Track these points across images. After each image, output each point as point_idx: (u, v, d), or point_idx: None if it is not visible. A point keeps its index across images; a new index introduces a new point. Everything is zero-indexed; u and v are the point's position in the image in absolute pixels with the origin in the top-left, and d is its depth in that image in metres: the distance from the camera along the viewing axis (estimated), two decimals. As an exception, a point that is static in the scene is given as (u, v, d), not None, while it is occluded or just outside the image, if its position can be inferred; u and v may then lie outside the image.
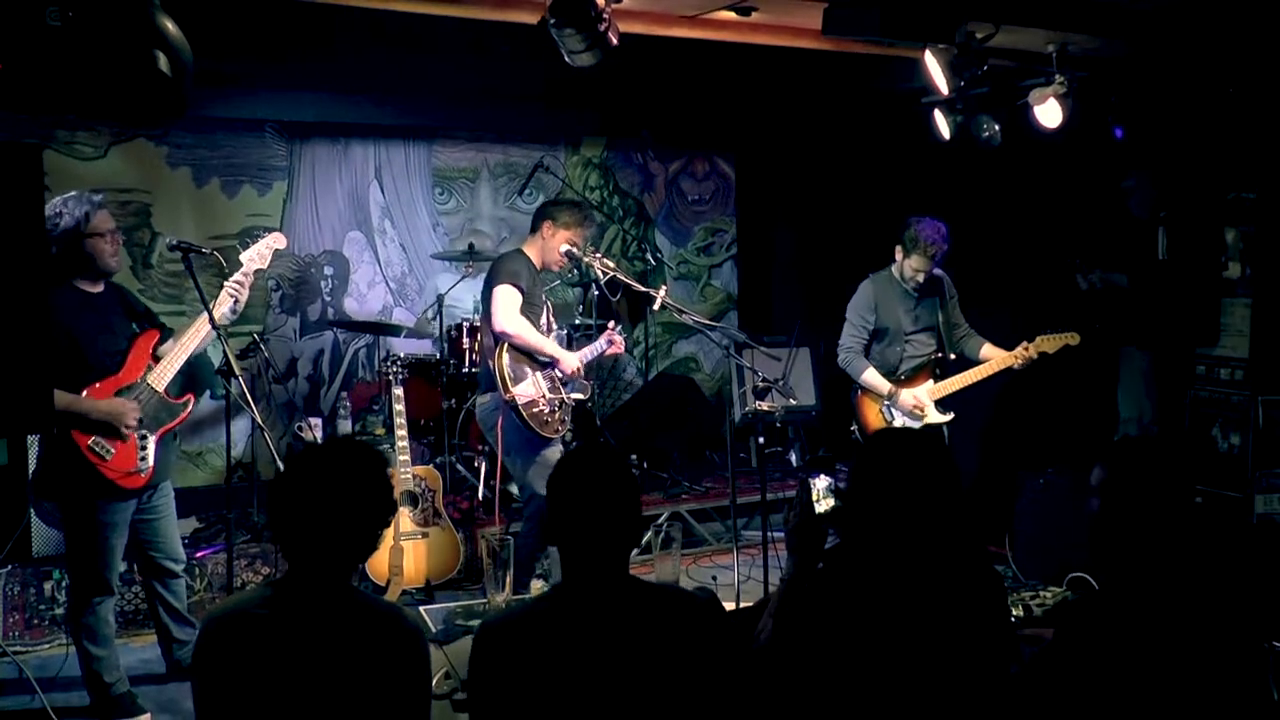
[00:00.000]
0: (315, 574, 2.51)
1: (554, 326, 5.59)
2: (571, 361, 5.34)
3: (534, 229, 5.43)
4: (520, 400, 5.15)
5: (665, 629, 2.49)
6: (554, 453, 5.24)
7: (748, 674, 2.63)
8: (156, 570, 4.64)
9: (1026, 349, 5.54)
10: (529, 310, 5.29)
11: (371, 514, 2.55)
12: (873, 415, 5.77)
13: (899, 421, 5.69)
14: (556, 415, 5.29)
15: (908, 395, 5.66)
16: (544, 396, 5.24)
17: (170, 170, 7.13)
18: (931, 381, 5.72)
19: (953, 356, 5.76)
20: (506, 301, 5.19)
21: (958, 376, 5.69)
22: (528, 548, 5.20)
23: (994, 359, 5.65)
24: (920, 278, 5.65)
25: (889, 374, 5.75)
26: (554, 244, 5.34)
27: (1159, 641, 2.45)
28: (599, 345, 5.56)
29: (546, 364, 5.32)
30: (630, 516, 2.59)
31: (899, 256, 5.69)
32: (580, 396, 5.48)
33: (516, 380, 5.18)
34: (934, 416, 5.69)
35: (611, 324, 5.65)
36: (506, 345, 5.22)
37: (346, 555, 2.54)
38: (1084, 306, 6.29)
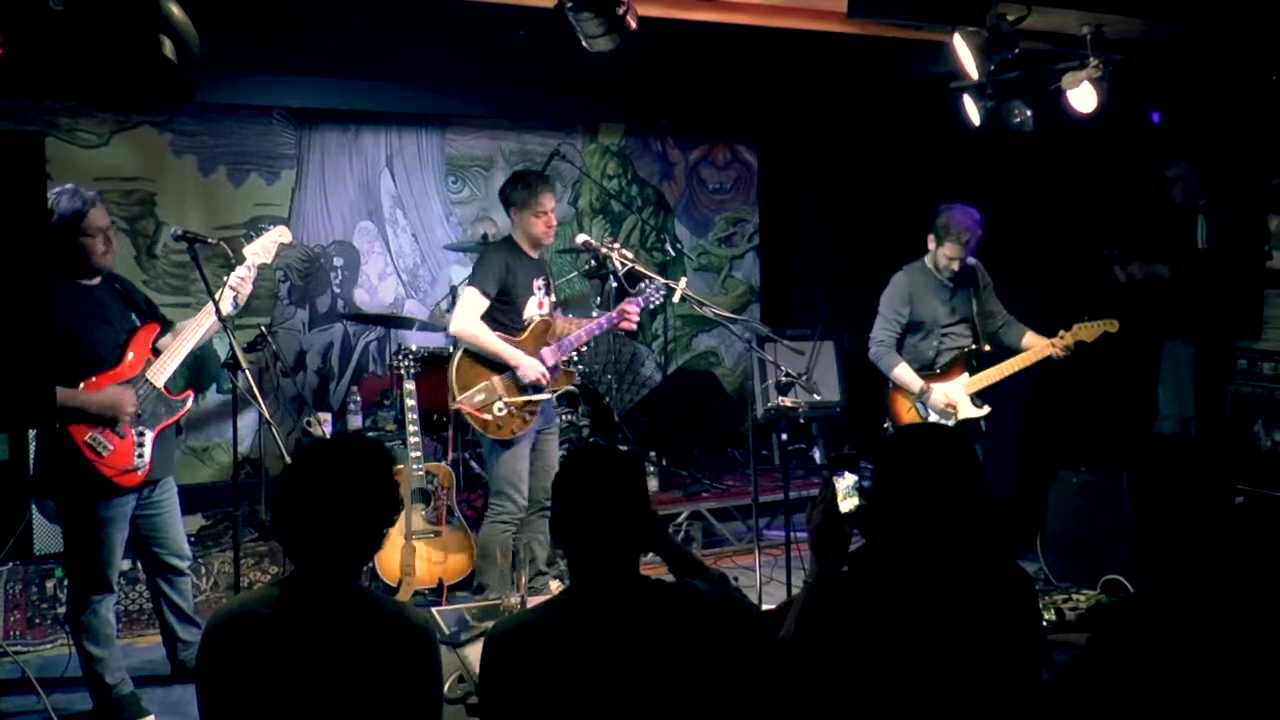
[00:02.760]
0: (322, 574, 2.51)
1: (549, 311, 5.55)
2: (531, 369, 5.31)
3: (508, 216, 5.53)
4: (464, 407, 5.26)
5: (678, 629, 2.49)
6: (512, 453, 5.37)
7: (769, 677, 2.62)
8: (161, 567, 4.65)
9: (1063, 336, 5.53)
10: (506, 304, 5.36)
11: (376, 512, 2.55)
12: (906, 412, 5.76)
13: (932, 417, 5.68)
14: (514, 419, 5.33)
15: (940, 393, 5.64)
16: (499, 401, 5.28)
17: (175, 158, 7.15)
18: (966, 375, 5.70)
19: (987, 348, 5.73)
20: (465, 305, 5.32)
21: (993, 369, 5.67)
22: (490, 547, 5.37)
23: (1033, 348, 5.63)
24: (955, 266, 5.63)
25: (924, 367, 5.73)
26: (525, 226, 5.39)
27: (1199, 647, 2.43)
28: (594, 326, 5.52)
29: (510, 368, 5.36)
30: (638, 516, 2.59)
31: (931, 246, 5.69)
32: (544, 397, 5.41)
33: (464, 387, 5.29)
34: (968, 411, 5.67)
35: (648, 284, 5.56)
36: (463, 349, 5.34)
37: (351, 554, 2.54)
38: (1123, 299, 6.24)
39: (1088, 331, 5.52)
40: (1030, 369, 5.71)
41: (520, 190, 5.39)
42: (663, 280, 5.50)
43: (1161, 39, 6.02)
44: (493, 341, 5.29)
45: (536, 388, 5.36)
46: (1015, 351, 5.70)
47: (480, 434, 5.38)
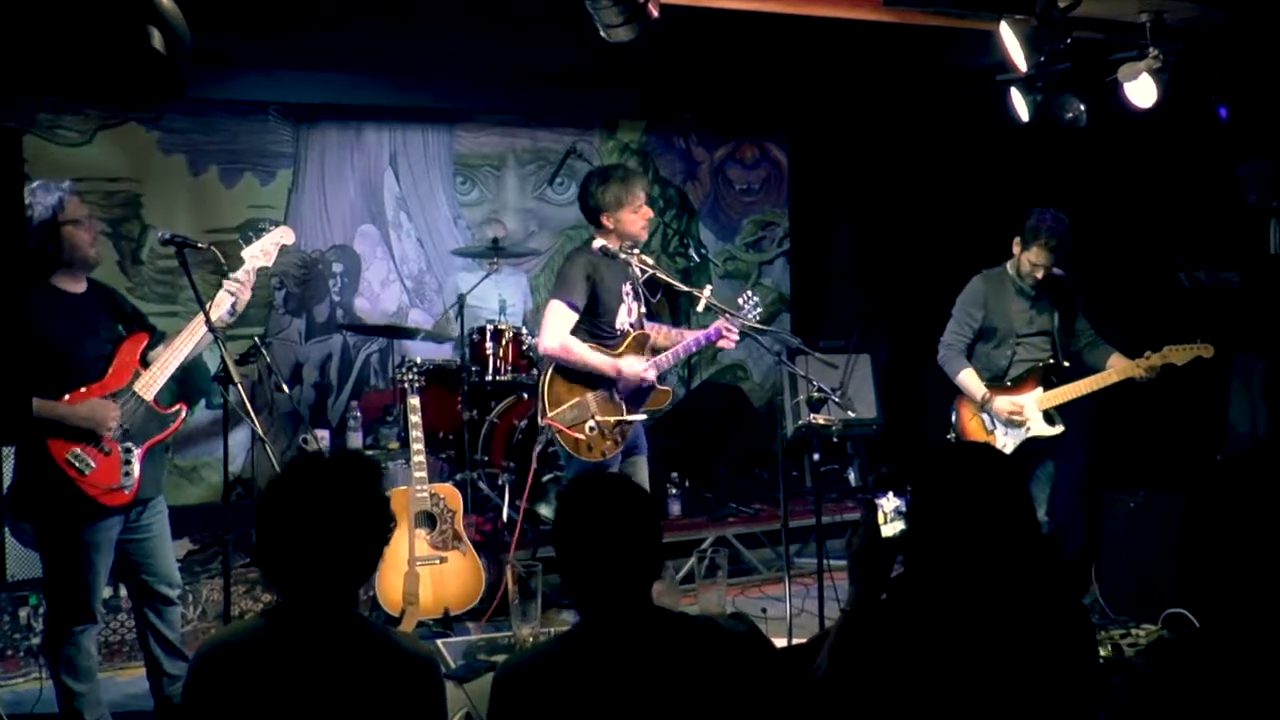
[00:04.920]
0: (313, 602, 2.50)
1: (638, 320, 5.54)
2: (632, 370, 5.30)
3: (596, 226, 5.39)
4: (555, 424, 5.25)
5: (696, 667, 2.47)
6: None
7: (801, 714, 2.59)
8: (149, 596, 4.62)
9: (1149, 358, 5.50)
10: (597, 315, 5.34)
11: (365, 534, 2.54)
12: (971, 422, 5.79)
13: (999, 431, 5.71)
14: (605, 440, 5.33)
15: (1004, 401, 5.64)
16: (591, 420, 5.28)
17: (163, 157, 7.19)
18: (1040, 389, 5.70)
19: (1066, 364, 5.71)
20: (552, 320, 5.27)
21: (1070, 385, 5.66)
22: None
23: (1115, 368, 5.61)
24: (1039, 274, 5.65)
25: (995, 379, 5.75)
26: (624, 227, 5.31)
27: (1271, 688, 2.39)
28: (691, 343, 5.50)
29: (608, 382, 5.35)
30: (648, 544, 2.57)
31: (1016, 250, 5.72)
32: (639, 418, 5.43)
33: (555, 402, 5.28)
34: (1039, 428, 5.66)
35: (747, 298, 5.48)
36: (555, 365, 5.32)
37: (341, 580, 2.53)
38: (1189, 308, 6.19)
39: (1179, 355, 5.47)
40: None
41: (614, 187, 5.29)
42: (685, 287, 5.49)
43: (1227, 25, 5.98)
44: (586, 354, 5.27)
45: (632, 405, 5.38)
46: (1097, 371, 5.67)
47: (566, 458, 5.39)
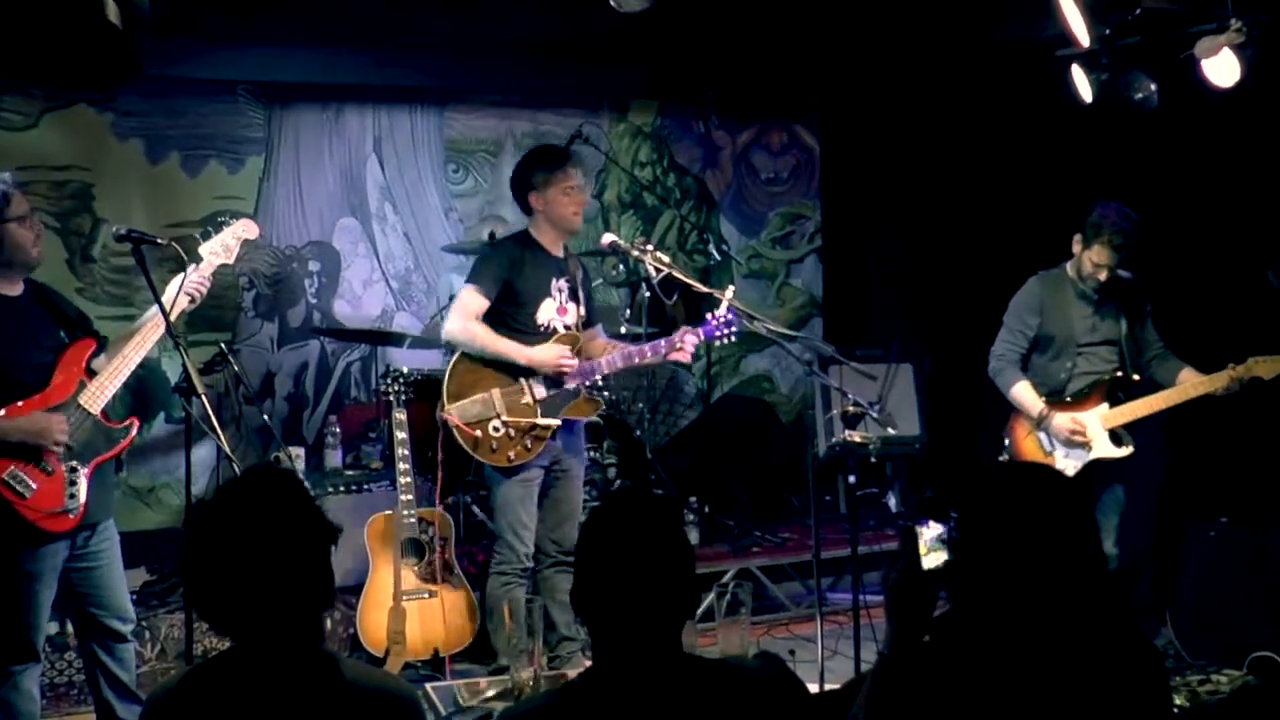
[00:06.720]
0: (271, 640, 2.48)
1: (576, 322, 5.55)
2: (546, 359, 5.31)
3: (524, 210, 5.53)
4: (452, 418, 5.28)
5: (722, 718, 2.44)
6: (511, 487, 5.38)
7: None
8: (98, 632, 4.62)
9: (1233, 370, 5.46)
10: (515, 305, 5.39)
11: (301, 554, 2.52)
12: (1027, 442, 5.76)
13: (1059, 452, 5.67)
14: (511, 443, 5.33)
15: (1064, 418, 5.60)
16: (497, 417, 5.31)
17: (118, 142, 7.20)
18: (1106, 405, 5.66)
19: (1135, 378, 5.68)
20: (459, 304, 5.41)
21: (1140, 401, 5.61)
22: (493, 604, 5.43)
23: (1190, 382, 5.57)
24: (1102, 275, 5.62)
25: (1054, 393, 5.73)
26: (552, 209, 5.41)
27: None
28: (636, 352, 5.47)
29: (522, 375, 5.36)
30: (681, 582, 2.53)
31: (1076, 248, 5.70)
32: (552, 423, 5.39)
33: (456, 395, 5.33)
34: (1104, 448, 5.63)
35: (715, 316, 5.46)
36: (460, 354, 5.40)
37: (293, 611, 2.51)
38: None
39: (1266, 367, 5.42)
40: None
41: (542, 166, 5.42)
42: (705, 288, 5.48)
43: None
44: (492, 340, 5.32)
45: (548, 409, 5.36)
46: (1163, 388, 5.64)
47: (481, 462, 5.38)
